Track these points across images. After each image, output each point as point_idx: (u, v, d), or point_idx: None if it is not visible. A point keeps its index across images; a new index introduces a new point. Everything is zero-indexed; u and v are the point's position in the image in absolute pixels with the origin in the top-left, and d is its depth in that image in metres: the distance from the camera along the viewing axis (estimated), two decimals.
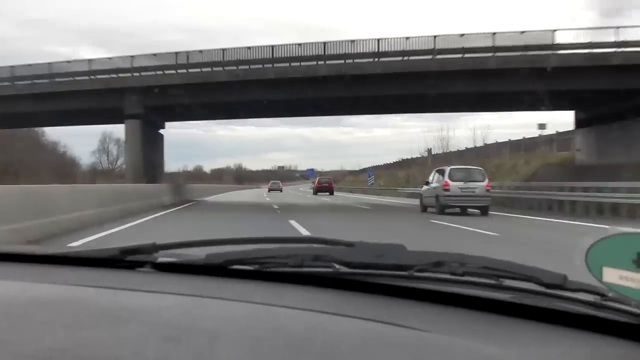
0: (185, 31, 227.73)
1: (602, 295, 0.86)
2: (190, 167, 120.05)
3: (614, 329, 0.82)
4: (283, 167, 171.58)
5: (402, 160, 60.83)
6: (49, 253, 1.31)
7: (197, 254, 1.16)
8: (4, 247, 1.48)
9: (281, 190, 57.40)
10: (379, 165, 69.27)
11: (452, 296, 0.94)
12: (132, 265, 1.16)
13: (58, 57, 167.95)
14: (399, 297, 0.95)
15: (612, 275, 0.81)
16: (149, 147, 27.15)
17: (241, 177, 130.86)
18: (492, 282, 0.95)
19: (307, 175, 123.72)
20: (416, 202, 22.64)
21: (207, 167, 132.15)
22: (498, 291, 0.94)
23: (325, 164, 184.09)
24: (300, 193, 53.96)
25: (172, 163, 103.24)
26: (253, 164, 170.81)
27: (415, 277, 0.98)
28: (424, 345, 0.76)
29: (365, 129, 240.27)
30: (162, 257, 1.17)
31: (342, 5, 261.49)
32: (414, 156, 55.53)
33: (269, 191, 55.28)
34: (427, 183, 18.87)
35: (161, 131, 30.53)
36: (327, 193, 45.28)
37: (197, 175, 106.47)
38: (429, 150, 51.27)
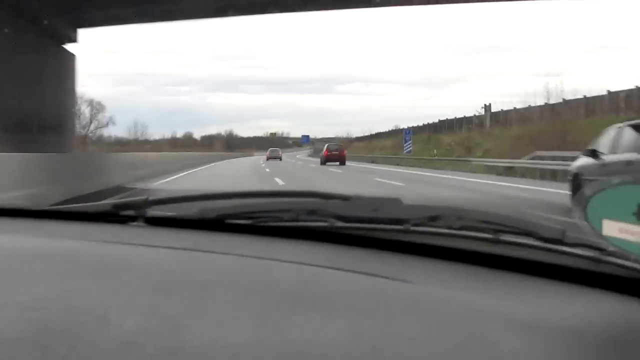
0: None
1: (602, 249, 0.84)
2: (179, 134, 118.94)
3: (613, 284, 0.81)
4: (275, 133, 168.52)
5: (441, 121, 48.54)
6: (39, 208, 1.30)
7: (191, 208, 1.14)
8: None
9: (280, 159, 53.47)
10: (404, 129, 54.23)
11: (449, 250, 0.93)
12: (124, 220, 1.15)
13: None
14: (395, 252, 0.95)
15: (612, 229, 0.79)
16: (44, 78, 14.83)
17: (232, 144, 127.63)
18: (490, 236, 0.94)
19: (302, 142, 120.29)
20: (527, 186, 15.43)
21: (198, 134, 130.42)
22: (495, 245, 0.93)
23: (319, 131, 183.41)
24: (300, 162, 48.57)
25: (161, 129, 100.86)
26: (244, 132, 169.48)
27: (411, 231, 0.97)
28: (419, 299, 0.75)
29: (358, 95, 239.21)
30: (155, 212, 1.16)
31: None
32: (463, 115, 43.71)
33: (267, 159, 51.06)
34: (595, 153, 9.86)
35: (70, 47, 18.07)
36: (338, 163, 37.11)
37: (185, 143, 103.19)
38: (487, 107, 40.11)
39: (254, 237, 1.03)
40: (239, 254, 0.91)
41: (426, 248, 0.94)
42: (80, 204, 1.31)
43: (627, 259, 0.81)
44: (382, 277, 0.81)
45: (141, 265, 0.86)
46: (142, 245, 0.97)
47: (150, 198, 1.17)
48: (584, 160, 10.15)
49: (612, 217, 0.78)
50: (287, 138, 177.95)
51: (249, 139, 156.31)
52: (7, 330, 0.62)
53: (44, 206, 1.33)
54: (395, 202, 1.04)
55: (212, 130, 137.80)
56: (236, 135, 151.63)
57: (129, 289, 0.75)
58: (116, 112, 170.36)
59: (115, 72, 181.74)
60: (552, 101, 31.07)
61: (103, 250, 0.94)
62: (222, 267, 0.87)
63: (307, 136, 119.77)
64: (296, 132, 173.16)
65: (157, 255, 0.92)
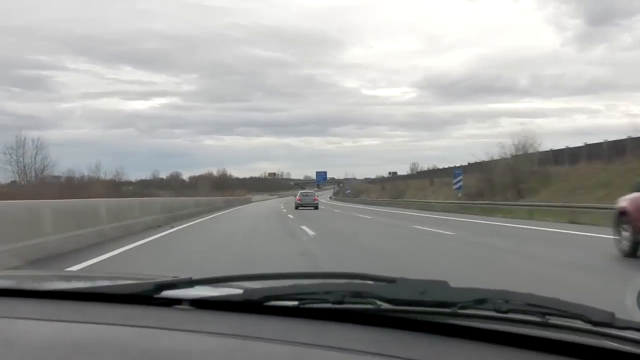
0: (166, 39, 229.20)
1: None
2: (164, 175, 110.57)
3: None
4: (275, 174, 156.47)
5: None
6: (83, 289, 1.30)
7: (234, 289, 1.15)
8: (35, 283, 1.47)
9: (316, 207, 38.33)
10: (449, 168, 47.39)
11: (497, 334, 0.92)
12: (169, 302, 1.14)
13: (42, 66, 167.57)
14: (443, 335, 0.94)
15: None
16: None
17: (225, 184, 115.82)
18: (538, 319, 0.94)
19: (318, 182, 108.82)
20: None
21: (188, 175, 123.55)
22: (544, 329, 0.92)
23: (313, 173, 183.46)
24: (339, 211, 35.61)
25: (147, 171, 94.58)
26: (240, 174, 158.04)
27: (459, 314, 0.96)
28: None
29: (352, 138, 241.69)
30: (199, 293, 1.16)
31: (328, 13, 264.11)
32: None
33: (296, 208, 37.06)
34: None
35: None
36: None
37: (170, 184, 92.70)
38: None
39: (300, 320, 1.03)
40: (288, 340, 0.91)
41: (474, 331, 0.94)
42: (124, 284, 1.31)
43: None
44: None
45: (191, 355, 0.85)
46: (190, 331, 0.96)
47: (194, 278, 1.17)
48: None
49: None
50: (289, 179, 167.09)
51: (244, 179, 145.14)
52: None
53: (88, 286, 1.32)
54: (441, 284, 1.03)
55: (204, 171, 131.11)
56: (230, 176, 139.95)
57: None
58: (106, 154, 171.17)
59: (108, 114, 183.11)
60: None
61: (152, 338, 0.94)
62: (273, 356, 0.86)
63: (324, 173, 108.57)
64: (296, 174, 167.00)
65: (206, 344, 0.91)
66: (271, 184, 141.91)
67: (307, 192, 44.65)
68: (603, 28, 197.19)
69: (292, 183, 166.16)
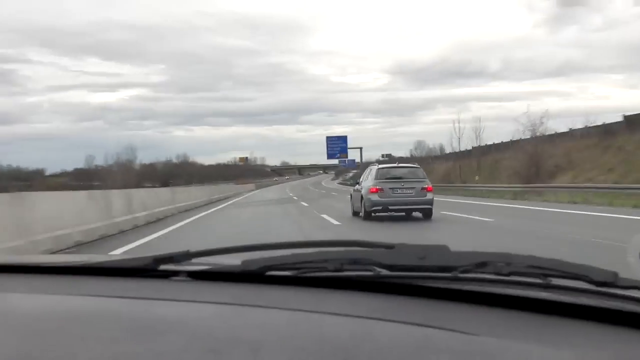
0: (133, 29, 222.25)
1: None
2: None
3: None
4: (247, 158, 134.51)
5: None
6: (80, 264, 1.28)
7: (233, 260, 1.13)
8: (33, 258, 1.51)
9: (429, 215, 13.74)
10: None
11: (499, 297, 0.91)
12: (167, 275, 1.13)
13: (5, 59, 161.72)
14: (444, 300, 0.93)
15: None
16: None
17: (181, 174, 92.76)
18: (540, 281, 0.92)
19: (344, 165, 71.25)
20: None
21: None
22: (546, 290, 0.91)
23: (290, 161, 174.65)
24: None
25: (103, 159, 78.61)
26: (208, 162, 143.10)
27: (459, 278, 0.95)
28: (474, 350, 0.73)
29: (323, 126, 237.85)
30: (197, 265, 1.15)
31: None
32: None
33: (367, 217, 13.47)
34: None
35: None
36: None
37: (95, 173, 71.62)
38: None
39: (299, 289, 1.02)
40: (286, 307, 0.90)
41: (475, 295, 0.92)
42: (121, 259, 1.31)
43: None
44: (434, 327, 0.79)
45: (188, 324, 0.84)
46: (186, 301, 0.95)
47: (192, 250, 1.16)
48: None
49: None
50: (264, 165, 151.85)
51: (210, 167, 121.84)
52: None
53: (83, 262, 1.29)
54: (441, 249, 1.01)
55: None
56: (195, 162, 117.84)
57: (177, 350, 0.73)
58: (77, 148, 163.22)
59: (76, 107, 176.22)
60: None
61: (148, 309, 0.92)
62: (271, 322, 0.84)
63: (352, 160, 67.22)
64: (271, 161, 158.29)
65: (203, 312, 0.90)
66: (244, 172, 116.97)
67: (401, 170, 14.39)
68: (574, 9, 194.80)
69: (269, 169, 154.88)
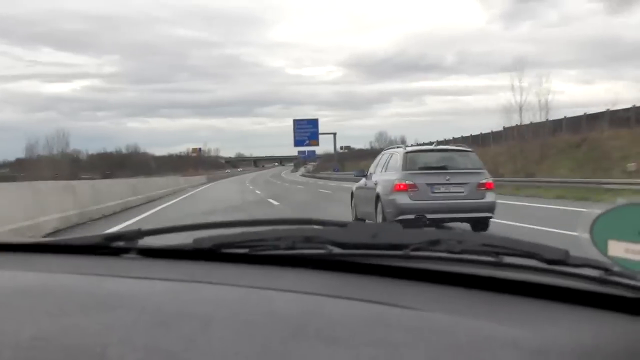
0: (87, 18, 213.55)
1: (607, 270, 0.84)
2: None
3: (620, 305, 0.80)
4: (200, 149, 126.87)
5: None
6: (29, 242, 1.28)
7: (184, 239, 1.12)
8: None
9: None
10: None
11: (451, 275, 0.91)
12: (117, 252, 1.13)
13: None
14: (396, 278, 0.93)
15: (618, 249, 0.78)
16: None
17: (129, 165, 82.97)
18: (492, 259, 0.93)
19: (303, 157, 65.55)
20: None
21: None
22: (498, 269, 0.91)
23: (245, 152, 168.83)
24: None
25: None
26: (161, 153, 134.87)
27: (411, 256, 0.95)
28: (424, 325, 0.73)
29: (278, 118, 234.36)
30: (148, 243, 1.14)
31: None
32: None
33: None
34: None
35: None
36: None
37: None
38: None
39: (251, 267, 1.01)
40: (237, 284, 0.89)
41: (427, 273, 0.92)
42: (71, 237, 1.29)
43: (632, 278, 0.80)
44: (384, 304, 0.79)
45: (137, 299, 0.83)
46: (136, 277, 0.94)
47: (143, 229, 1.15)
48: None
49: (618, 237, 0.77)
50: (218, 157, 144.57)
51: (162, 157, 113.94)
52: None
53: (34, 239, 1.28)
54: (393, 227, 1.02)
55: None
56: (145, 153, 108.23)
57: (126, 324, 0.73)
58: (29, 139, 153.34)
59: (28, 98, 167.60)
60: None
61: (97, 284, 0.91)
62: (221, 298, 0.84)
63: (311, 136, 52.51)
64: (227, 152, 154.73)
65: (153, 288, 0.89)
66: (197, 163, 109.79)
67: (443, 155, 9.42)
68: (528, 4, 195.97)
69: (223, 161, 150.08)
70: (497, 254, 0.92)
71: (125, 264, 1.07)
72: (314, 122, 57.08)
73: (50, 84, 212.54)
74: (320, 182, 47.85)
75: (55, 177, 37.39)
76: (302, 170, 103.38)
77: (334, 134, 60.53)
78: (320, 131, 57.87)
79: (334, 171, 58.74)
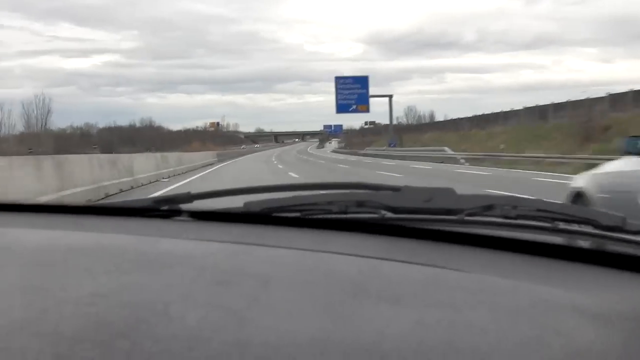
0: None
1: None
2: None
3: None
4: (218, 123, 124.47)
5: None
6: (81, 205, 1.27)
7: (235, 203, 1.11)
8: (34, 199, 1.42)
9: None
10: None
11: (506, 241, 0.90)
12: (168, 215, 1.12)
13: None
14: (450, 242, 0.91)
15: None
16: None
17: (142, 140, 79.14)
18: (547, 225, 0.91)
19: (330, 131, 61.91)
20: None
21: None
22: (554, 234, 0.90)
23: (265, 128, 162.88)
24: None
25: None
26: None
27: (465, 221, 0.94)
28: (486, 288, 0.72)
29: (297, 94, 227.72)
30: (199, 206, 1.14)
31: None
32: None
33: None
34: None
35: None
36: None
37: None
38: None
39: (303, 230, 1.00)
40: (292, 246, 0.88)
41: (482, 238, 0.91)
42: (121, 200, 1.29)
43: None
44: (442, 267, 0.78)
45: (194, 258, 0.82)
46: (192, 239, 0.94)
47: (193, 192, 1.14)
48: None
49: None
50: (237, 132, 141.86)
51: (178, 132, 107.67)
52: (65, 327, 0.59)
53: (84, 202, 1.28)
54: (447, 192, 1.00)
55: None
56: (159, 127, 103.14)
57: (186, 282, 0.72)
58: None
59: (48, 73, 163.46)
60: None
61: (152, 244, 0.91)
62: (278, 259, 0.83)
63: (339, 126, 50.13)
64: (245, 127, 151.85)
65: (209, 248, 0.88)
66: (214, 138, 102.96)
67: None
68: None
69: (242, 136, 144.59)
70: (553, 219, 0.91)
71: (178, 226, 1.06)
72: (362, 81, 44.50)
73: (70, 60, 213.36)
74: (367, 159, 39.70)
75: (29, 152, 32.71)
76: (330, 145, 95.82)
77: (390, 96, 48.43)
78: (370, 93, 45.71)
79: (390, 146, 47.96)
